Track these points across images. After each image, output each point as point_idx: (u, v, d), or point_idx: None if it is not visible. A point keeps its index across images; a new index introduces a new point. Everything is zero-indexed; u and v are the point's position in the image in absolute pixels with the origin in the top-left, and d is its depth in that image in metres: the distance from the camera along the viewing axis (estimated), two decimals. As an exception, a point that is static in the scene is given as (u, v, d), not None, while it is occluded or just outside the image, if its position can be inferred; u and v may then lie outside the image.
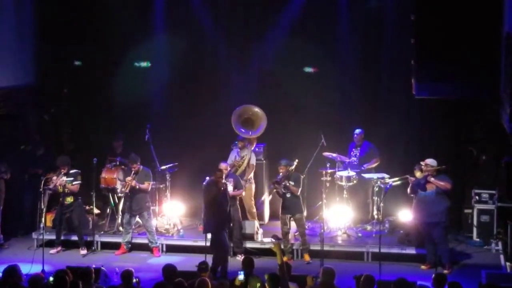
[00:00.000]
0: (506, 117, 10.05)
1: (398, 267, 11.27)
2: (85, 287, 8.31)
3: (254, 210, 12.85)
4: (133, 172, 12.05)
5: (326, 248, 11.31)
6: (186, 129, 14.03)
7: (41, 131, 14.07)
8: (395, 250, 11.83)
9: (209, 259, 10.74)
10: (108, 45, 14.04)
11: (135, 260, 11.95)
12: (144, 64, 14.30)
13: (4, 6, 13.09)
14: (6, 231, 12.89)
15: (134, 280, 8.84)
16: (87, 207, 13.00)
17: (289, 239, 11.93)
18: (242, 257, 9.99)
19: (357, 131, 13.03)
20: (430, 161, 11.22)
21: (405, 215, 12.14)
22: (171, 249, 12.48)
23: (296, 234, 12.20)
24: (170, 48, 14.07)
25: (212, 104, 13.98)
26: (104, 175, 12.83)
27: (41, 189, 11.97)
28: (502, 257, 11.73)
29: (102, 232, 12.85)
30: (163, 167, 12.97)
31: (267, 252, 11.12)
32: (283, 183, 11.63)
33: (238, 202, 12.11)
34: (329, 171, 12.77)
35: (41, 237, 11.94)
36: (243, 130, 12.96)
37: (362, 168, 12.86)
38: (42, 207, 11.88)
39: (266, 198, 13.21)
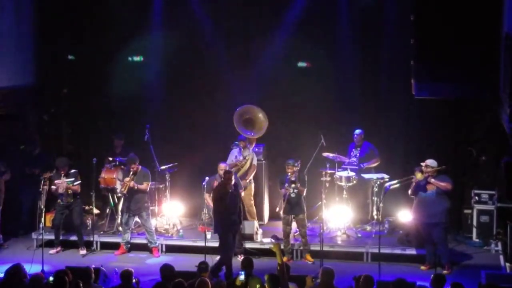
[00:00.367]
0: (506, 117, 10.04)
1: (397, 268, 11.27)
2: (85, 287, 8.32)
3: (254, 210, 12.84)
4: (131, 172, 12.04)
5: (325, 248, 11.30)
6: (186, 129, 14.03)
7: (41, 131, 14.07)
8: (394, 251, 11.83)
9: (209, 259, 10.74)
10: (108, 45, 14.03)
11: (134, 260, 11.95)
12: (137, 58, 14.27)
13: (3, 6, 13.07)
14: (5, 231, 12.88)
15: (134, 280, 8.85)
16: (87, 207, 13.01)
17: (289, 239, 11.93)
18: (242, 258, 9.98)
19: (357, 131, 13.02)
20: (430, 162, 11.20)
21: (405, 216, 12.15)
22: (171, 249, 12.47)
23: (296, 234, 12.19)
24: (169, 48, 14.05)
25: (212, 104, 13.99)
26: (103, 175, 12.82)
27: (40, 189, 11.98)
28: (501, 257, 11.72)
29: (102, 232, 12.84)
30: (163, 167, 12.96)
31: (267, 252, 11.13)
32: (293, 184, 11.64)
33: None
34: (329, 171, 12.76)
35: (40, 237, 11.94)
36: (245, 131, 12.94)
37: (362, 166, 12.85)
38: (42, 207, 11.87)
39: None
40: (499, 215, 12.30)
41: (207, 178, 12.05)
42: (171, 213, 13.05)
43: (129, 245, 12.36)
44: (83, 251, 12.31)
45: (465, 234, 12.78)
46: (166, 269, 8.84)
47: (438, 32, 10.68)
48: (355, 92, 13.64)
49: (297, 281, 8.74)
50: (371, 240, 12.09)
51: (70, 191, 12.16)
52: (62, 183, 12.08)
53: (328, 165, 12.75)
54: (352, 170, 12.78)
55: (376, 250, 11.14)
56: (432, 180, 11.13)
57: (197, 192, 12.58)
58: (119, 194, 12.75)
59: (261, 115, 13.10)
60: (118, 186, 12.73)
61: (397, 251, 11.85)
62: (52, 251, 12.29)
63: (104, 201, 13.35)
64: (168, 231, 12.80)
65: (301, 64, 13.86)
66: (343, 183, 12.67)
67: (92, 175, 12.67)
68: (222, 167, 11.94)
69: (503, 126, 10.68)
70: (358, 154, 13.02)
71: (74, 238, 12.51)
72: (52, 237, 12.43)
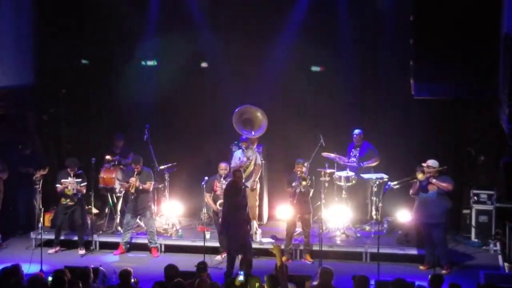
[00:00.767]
0: (505, 117, 10.06)
1: (396, 268, 11.27)
2: (84, 287, 8.32)
3: (257, 210, 12.81)
4: (135, 172, 12.05)
5: (324, 248, 11.29)
6: (185, 129, 14.02)
7: (40, 131, 14.07)
8: (393, 251, 11.83)
9: (208, 259, 10.74)
10: (108, 44, 14.03)
11: (133, 260, 11.93)
12: (150, 63, 14.26)
13: (3, 6, 13.07)
14: (4, 231, 12.88)
15: (133, 280, 8.84)
16: (86, 207, 13.00)
17: (291, 239, 11.92)
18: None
19: (357, 131, 13.01)
20: (432, 162, 11.19)
21: (404, 216, 12.15)
22: (170, 249, 12.46)
23: (295, 234, 12.18)
24: (169, 48, 14.03)
25: (211, 104, 13.98)
26: (102, 175, 12.83)
27: (39, 188, 11.97)
28: (500, 257, 11.71)
29: (101, 232, 12.84)
30: (162, 167, 12.95)
31: (266, 253, 11.12)
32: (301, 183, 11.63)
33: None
34: (328, 171, 12.75)
35: (39, 236, 11.92)
36: (245, 131, 12.93)
37: (361, 165, 12.84)
38: (41, 206, 11.87)
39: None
40: (498, 215, 12.30)
41: (206, 178, 12.04)
42: (170, 213, 13.04)
43: (128, 245, 12.35)
44: (82, 251, 12.30)
45: (464, 234, 12.79)
46: (170, 269, 8.84)
47: (438, 32, 10.71)
48: (355, 92, 13.64)
49: (296, 281, 8.74)
50: (370, 240, 12.09)
51: (75, 191, 12.18)
52: (72, 183, 12.10)
53: (327, 165, 12.75)
54: (351, 170, 12.78)
55: (375, 250, 11.14)
56: (434, 180, 11.12)
57: (197, 192, 12.57)
58: (119, 194, 12.76)
59: (259, 114, 13.09)
60: (117, 186, 12.75)
61: (396, 251, 11.85)
62: (51, 250, 12.28)
63: (103, 201, 13.35)
64: (167, 231, 12.79)
65: (315, 68, 13.81)
66: (342, 183, 12.67)
67: (91, 175, 12.66)
68: (222, 166, 11.93)
69: (501, 126, 10.70)
70: (357, 154, 13.01)
71: (73, 238, 12.50)
72: (51, 236, 12.42)
